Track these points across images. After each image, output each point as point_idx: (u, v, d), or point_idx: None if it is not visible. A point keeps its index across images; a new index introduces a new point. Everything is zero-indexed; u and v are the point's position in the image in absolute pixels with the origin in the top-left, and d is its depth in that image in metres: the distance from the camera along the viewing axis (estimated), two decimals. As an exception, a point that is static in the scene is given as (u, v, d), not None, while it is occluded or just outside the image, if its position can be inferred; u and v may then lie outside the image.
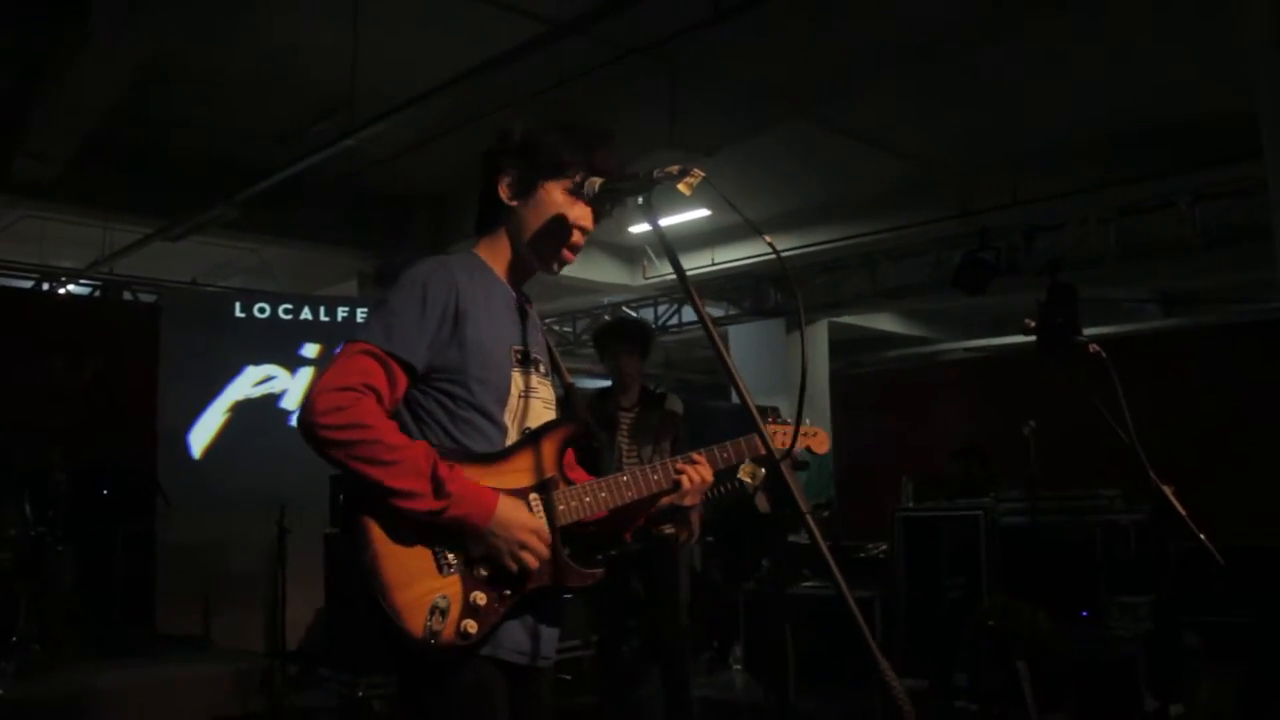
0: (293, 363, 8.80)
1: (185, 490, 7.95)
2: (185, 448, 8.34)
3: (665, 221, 7.84)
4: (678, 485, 2.32)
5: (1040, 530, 6.21)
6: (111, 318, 9.57)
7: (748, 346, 13.90)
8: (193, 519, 7.93)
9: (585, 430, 2.35)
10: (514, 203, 2.30)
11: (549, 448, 2.23)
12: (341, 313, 9.09)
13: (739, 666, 7.92)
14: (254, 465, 8.21)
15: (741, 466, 2.34)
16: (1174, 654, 5.53)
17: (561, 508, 2.20)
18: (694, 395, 19.36)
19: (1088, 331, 8.69)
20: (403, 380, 2.11)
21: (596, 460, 2.45)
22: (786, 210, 11.37)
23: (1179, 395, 8.04)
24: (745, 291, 13.13)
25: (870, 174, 10.33)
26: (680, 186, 2.10)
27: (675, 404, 5.38)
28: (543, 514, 2.18)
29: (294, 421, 2.06)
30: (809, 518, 1.88)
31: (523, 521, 2.11)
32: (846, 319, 14.25)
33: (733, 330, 13.84)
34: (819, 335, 14.10)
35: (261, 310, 8.74)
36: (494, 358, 2.22)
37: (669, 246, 2.14)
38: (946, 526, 7.02)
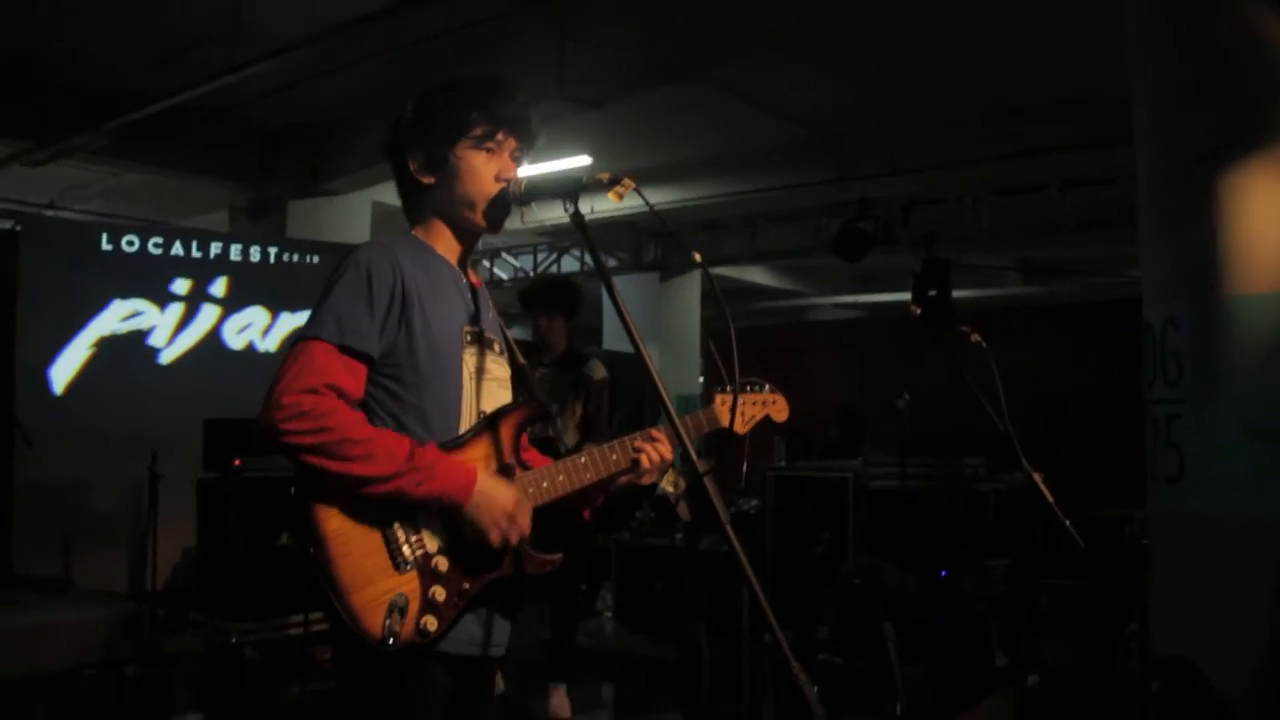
0: (162, 298, 8.52)
1: (46, 427, 7.65)
2: (46, 383, 8.02)
3: (543, 167, 7.82)
4: (636, 464, 2.27)
5: (906, 495, 6.50)
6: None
7: (621, 295, 13.99)
8: (53, 457, 7.67)
9: (541, 412, 2.32)
10: (430, 179, 2.24)
11: (506, 432, 2.18)
12: (215, 248, 8.82)
13: (609, 614, 8.11)
14: (119, 403, 7.98)
15: (664, 476, 2.35)
16: (1025, 615, 5.90)
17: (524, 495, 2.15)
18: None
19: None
20: (362, 371, 2.06)
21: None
22: (668, 163, 11.44)
23: (1038, 367, 8.45)
24: (622, 243, 13.21)
25: (753, 134, 10.45)
26: (610, 195, 2.15)
27: (596, 369, 5.33)
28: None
29: (258, 423, 1.96)
30: (729, 529, 1.95)
31: (505, 495, 2.07)
32: (718, 270, 14.46)
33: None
34: (690, 285, 14.29)
35: (130, 243, 8.42)
36: (443, 340, 2.15)
37: (592, 245, 2.19)
38: (816, 486, 7.28)
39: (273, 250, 9.10)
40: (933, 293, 7.28)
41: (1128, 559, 5.74)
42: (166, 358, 8.49)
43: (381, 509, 2.01)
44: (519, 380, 2.40)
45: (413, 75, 9.35)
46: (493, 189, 2.23)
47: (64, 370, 8.12)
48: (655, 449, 2.28)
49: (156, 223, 12.03)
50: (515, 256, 14.01)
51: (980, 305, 14.34)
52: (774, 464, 7.69)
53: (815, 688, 1.82)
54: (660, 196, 11.88)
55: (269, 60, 6.86)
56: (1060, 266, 13.10)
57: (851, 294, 16.81)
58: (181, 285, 8.63)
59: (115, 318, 8.32)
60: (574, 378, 5.27)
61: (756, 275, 16.31)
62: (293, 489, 2.02)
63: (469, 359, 2.21)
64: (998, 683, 5.53)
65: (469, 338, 2.22)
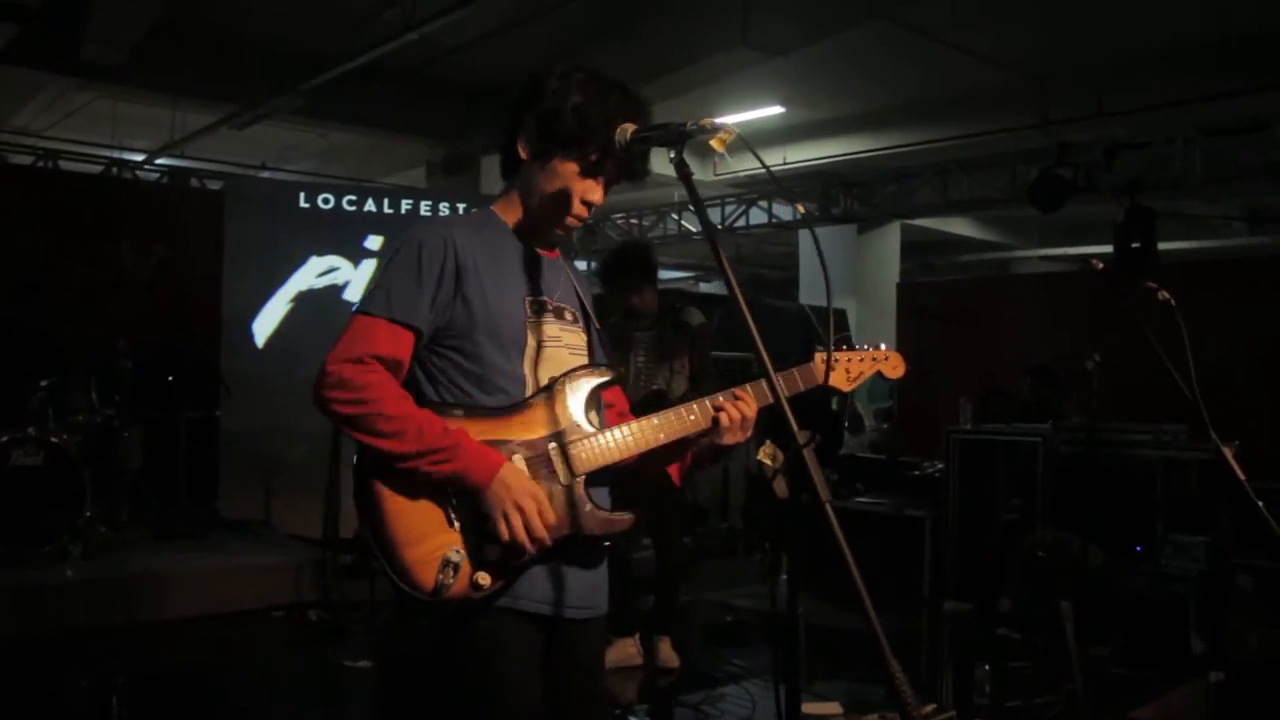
0: (356, 254, 8.78)
1: (248, 378, 8.06)
2: (249, 336, 8.40)
3: (737, 118, 7.63)
4: (716, 424, 2.24)
5: (1100, 462, 6.06)
6: (178, 205, 9.63)
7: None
8: (256, 406, 8.06)
9: (613, 378, 2.32)
10: (526, 158, 2.26)
11: (570, 395, 2.21)
12: (405, 205, 9.03)
13: (784, 577, 7.95)
14: (316, 356, 8.17)
15: (760, 448, 2.24)
16: (1226, 596, 5.42)
17: (584, 455, 2.17)
18: (763, 292, 19.25)
19: (1166, 248, 8.37)
20: (408, 341, 2.14)
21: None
22: (860, 111, 11.07)
23: (1267, 324, 7.73)
24: (814, 195, 12.85)
25: (949, 78, 9.98)
26: (713, 142, 2.02)
27: (693, 316, 5.36)
28: (562, 464, 2.16)
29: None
30: (828, 508, 1.80)
31: (524, 486, 2.08)
32: (919, 221, 13.97)
33: (803, 233, 13.62)
34: (890, 237, 13.86)
35: (325, 201, 8.70)
36: (503, 310, 2.20)
37: (698, 201, 2.07)
38: (1004, 450, 6.90)
39: (461, 206, 9.22)
40: (1136, 244, 6.78)
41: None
42: (360, 312, 8.76)
43: None
44: (600, 347, 2.42)
45: (603, 26, 9.42)
46: (571, 207, 2.24)
47: (265, 324, 8.48)
48: (737, 408, 2.25)
49: (361, 181, 12.49)
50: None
51: (1200, 257, 13.32)
52: (958, 425, 7.31)
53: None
54: (853, 146, 11.52)
55: (446, 16, 6.90)
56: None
57: (1059, 247, 15.94)
58: (374, 241, 8.85)
59: (312, 274, 8.63)
60: (675, 329, 5.24)
61: (959, 227, 15.68)
62: (355, 457, 2.12)
63: (535, 328, 2.24)
64: (1192, 672, 5.11)
65: (534, 308, 2.25)
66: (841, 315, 12.72)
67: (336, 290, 8.70)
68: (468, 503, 2.07)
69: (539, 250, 2.33)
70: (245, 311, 8.40)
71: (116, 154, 11.07)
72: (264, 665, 5.71)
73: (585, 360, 2.33)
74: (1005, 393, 8.32)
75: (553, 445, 2.17)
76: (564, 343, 2.29)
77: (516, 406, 2.18)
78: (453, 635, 2.14)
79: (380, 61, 8.62)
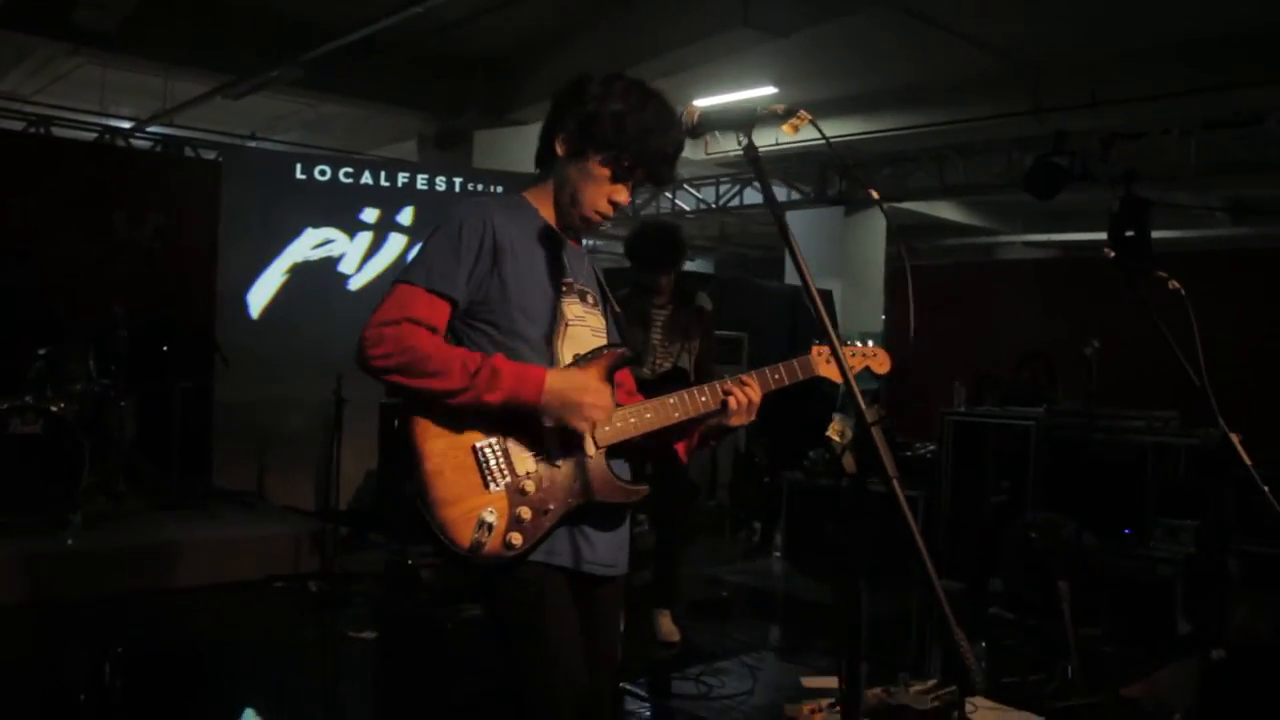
0: (352, 227, 8.77)
1: (242, 349, 8.04)
2: (244, 307, 8.40)
3: (729, 97, 7.63)
4: (724, 406, 2.41)
5: (1091, 446, 6.19)
6: (173, 174, 9.57)
7: (804, 229, 13.74)
8: (249, 377, 8.07)
9: (632, 357, 2.46)
10: (562, 153, 2.40)
11: (595, 371, 2.35)
12: (402, 178, 9.01)
13: (778, 554, 8.07)
14: (310, 328, 8.22)
15: (830, 425, 2.35)
16: (1213, 580, 5.55)
17: (607, 428, 2.32)
18: (746, 271, 19.31)
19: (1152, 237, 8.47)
20: (444, 309, 2.27)
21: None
22: (855, 93, 11.10)
23: (1245, 315, 7.87)
24: (808, 177, 12.90)
25: (945, 63, 10.03)
26: (785, 128, 2.09)
27: (704, 301, 5.51)
28: (589, 436, 2.30)
29: (355, 348, 2.18)
30: (896, 483, 1.87)
31: (575, 383, 2.24)
32: (906, 204, 14.04)
33: (790, 213, 13.67)
34: (877, 219, 13.92)
35: (322, 173, 8.69)
36: (536, 288, 2.34)
37: (766, 184, 2.13)
38: (996, 432, 7.02)
39: (458, 180, 9.25)
40: (1130, 233, 6.88)
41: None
42: (355, 284, 8.75)
43: (475, 434, 2.22)
44: (617, 329, 2.56)
45: (602, 3, 9.42)
46: (599, 205, 2.39)
47: (260, 295, 8.48)
48: (744, 393, 2.42)
49: (350, 153, 12.44)
50: (697, 189, 13.89)
51: (1183, 247, 13.49)
52: (952, 408, 7.42)
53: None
54: (846, 128, 11.55)
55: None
56: (1274, 207, 12.13)
57: (1043, 232, 16.07)
58: (370, 214, 8.85)
59: (308, 245, 8.63)
60: (690, 313, 5.37)
61: (944, 211, 15.77)
62: (396, 421, 2.19)
63: (564, 307, 2.38)
64: (1179, 652, 5.24)
65: (562, 289, 2.39)
66: (828, 296, 12.82)
67: (332, 262, 8.70)
68: (505, 466, 2.22)
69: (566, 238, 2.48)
70: (240, 282, 8.39)
71: (105, 121, 10.99)
72: (266, 636, 5.74)
73: (605, 340, 2.48)
74: (997, 376, 8.43)
75: None
76: (586, 323, 2.45)
77: None
78: (496, 586, 2.28)
79: (378, 34, 8.58)
